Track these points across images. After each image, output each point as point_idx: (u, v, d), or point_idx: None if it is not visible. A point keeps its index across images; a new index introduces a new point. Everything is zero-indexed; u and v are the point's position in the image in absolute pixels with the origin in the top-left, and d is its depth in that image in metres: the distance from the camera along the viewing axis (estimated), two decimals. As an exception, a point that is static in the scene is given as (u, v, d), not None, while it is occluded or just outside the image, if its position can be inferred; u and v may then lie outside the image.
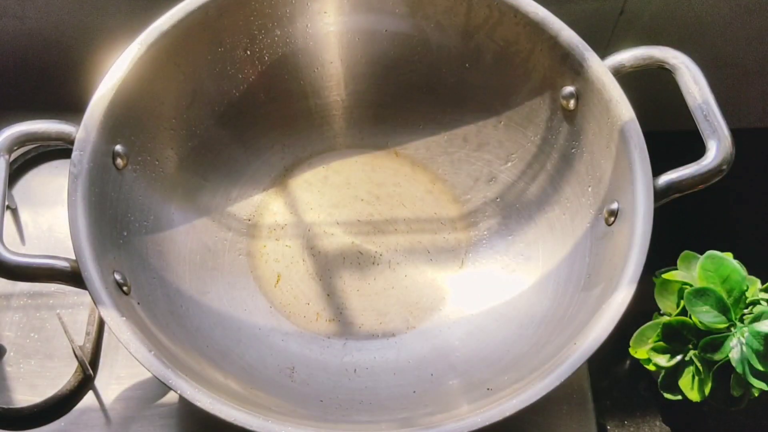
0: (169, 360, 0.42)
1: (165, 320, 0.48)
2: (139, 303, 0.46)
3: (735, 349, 0.50)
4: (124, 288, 0.45)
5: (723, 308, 0.51)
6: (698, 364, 0.51)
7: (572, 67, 0.51)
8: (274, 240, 0.58)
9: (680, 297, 0.53)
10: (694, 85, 0.47)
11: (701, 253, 0.53)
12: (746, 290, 0.51)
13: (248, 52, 0.55)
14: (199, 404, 0.41)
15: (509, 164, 0.58)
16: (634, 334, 0.54)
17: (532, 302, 0.53)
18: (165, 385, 0.41)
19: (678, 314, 0.52)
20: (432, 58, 0.58)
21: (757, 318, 0.50)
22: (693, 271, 0.53)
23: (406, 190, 0.61)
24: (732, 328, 0.51)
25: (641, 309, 0.49)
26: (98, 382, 0.54)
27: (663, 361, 0.53)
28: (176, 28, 0.50)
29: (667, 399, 0.53)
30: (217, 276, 0.55)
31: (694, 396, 0.51)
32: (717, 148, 0.46)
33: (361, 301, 0.56)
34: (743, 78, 0.68)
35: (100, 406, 0.53)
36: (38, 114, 0.48)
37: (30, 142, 0.46)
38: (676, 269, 0.54)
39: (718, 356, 0.50)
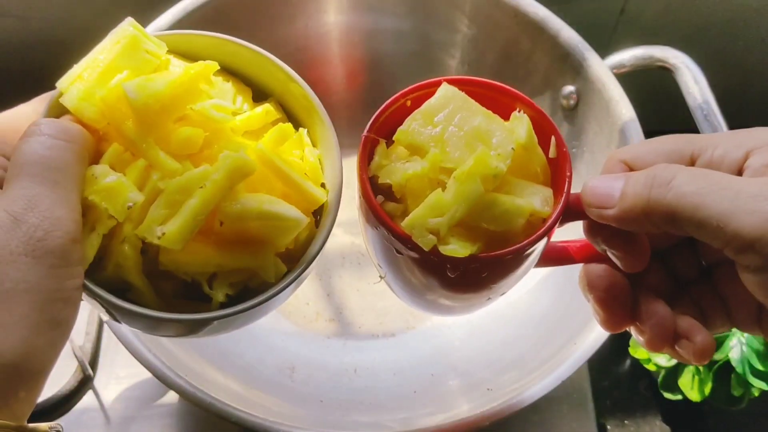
0: (168, 360, 0.42)
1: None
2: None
3: (735, 348, 0.50)
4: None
5: (723, 308, 0.51)
6: (698, 364, 0.51)
7: (572, 66, 0.51)
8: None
9: (680, 297, 0.53)
10: (695, 85, 0.47)
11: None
12: (746, 290, 0.51)
13: (248, 52, 0.55)
14: (199, 404, 0.41)
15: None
16: (634, 334, 0.54)
17: (532, 302, 0.53)
18: (164, 385, 0.41)
19: (678, 314, 0.52)
20: (432, 57, 0.58)
21: (758, 318, 0.50)
22: (693, 270, 0.53)
23: (406, 190, 0.61)
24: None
25: (641, 309, 0.49)
26: (98, 382, 0.54)
27: (663, 360, 0.53)
28: (175, 28, 0.50)
29: (667, 399, 0.53)
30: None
31: (694, 396, 0.51)
32: (717, 148, 0.46)
33: (361, 301, 0.56)
34: (743, 78, 0.68)
35: (100, 405, 0.53)
36: (38, 114, 0.48)
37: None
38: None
39: (718, 356, 0.50)
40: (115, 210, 0.26)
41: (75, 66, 0.28)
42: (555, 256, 0.32)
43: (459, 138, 0.29)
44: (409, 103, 0.31)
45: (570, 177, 0.29)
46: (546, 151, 0.30)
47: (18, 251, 0.23)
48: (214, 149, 0.28)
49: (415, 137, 0.29)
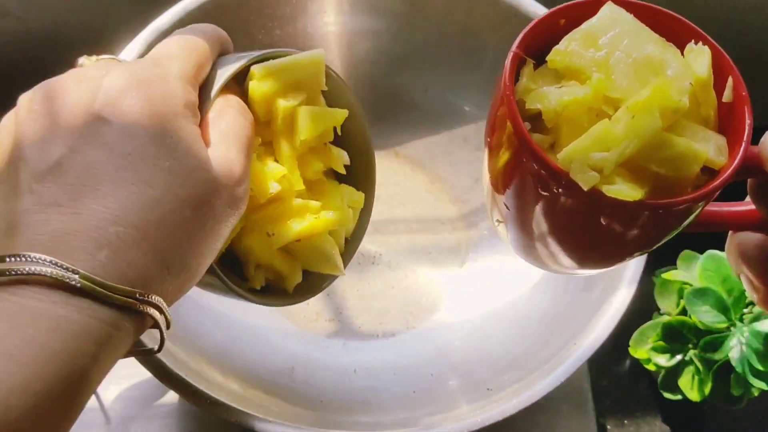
0: (168, 360, 0.42)
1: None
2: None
3: (735, 348, 0.50)
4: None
5: (723, 308, 0.51)
6: (698, 364, 0.51)
7: (572, 66, 0.51)
8: (273, 240, 0.58)
9: (680, 297, 0.53)
10: (695, 84, 0.47)
11: (701, 253, 0.53)
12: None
13: (248, 52, 0.55)
14: (199, 404, 0.41)
15: (509, 164, 0.58)
16: (634, 334, 0.54)
17: (532, 302, 0.53)
18: (164, 385, 0.41)
19: (678, 314, 0.52)
20: (432, 57, 0.58)
21: (757, 318, 0.50)
22: (693, 270, 0.53)
23: (406, 190, 0.61)
24: (732, 328, 0.51)
25: (641, 309, 0.49)
26: (98, 382, 0.54)
27: (663, 360, 0.53)
28: (176, 28, 0.50)
29: (667, 399, 0.53)
30: (217, 276, 0.55)
31: (694, 396, 0.51)
32: (717, 148, 0.46)
33: (361, 301, 0.56)
34: (743, 78, 0.68)
35: (100, 406, 0.53)
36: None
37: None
38: (676, 269, 0.54)
39: (718, 356, 0.50)
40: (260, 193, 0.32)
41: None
42: (710, 220, 0.28)
43: (627, 65, 0.25)
44: (562, 22, 0.27)
45: (751, 125, 0.25)
46: (718, 93, 0.26)
47: (224, 203, 0.28)
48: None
49: (575, 59, 0.25)
